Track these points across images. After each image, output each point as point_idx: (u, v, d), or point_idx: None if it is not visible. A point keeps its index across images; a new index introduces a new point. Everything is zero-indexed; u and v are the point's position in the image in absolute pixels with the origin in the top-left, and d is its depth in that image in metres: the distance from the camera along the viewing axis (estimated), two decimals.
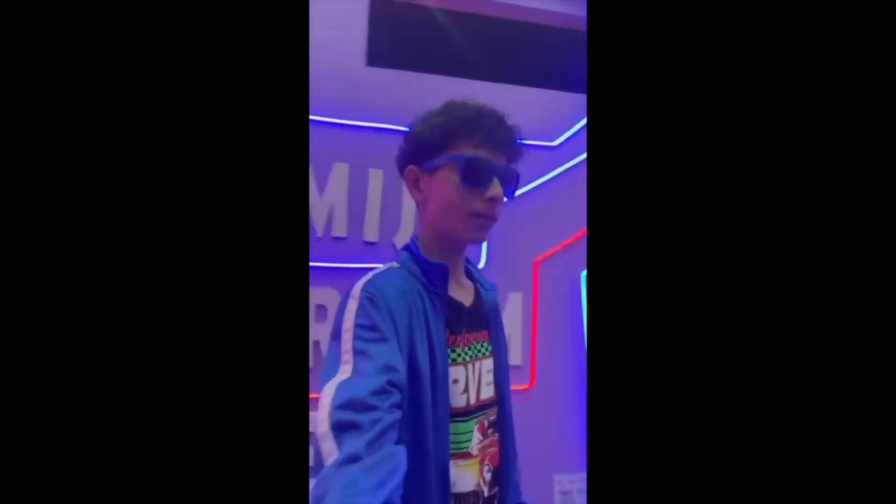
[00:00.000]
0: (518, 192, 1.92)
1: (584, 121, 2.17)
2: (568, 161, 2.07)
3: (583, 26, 2.34)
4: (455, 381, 0.69)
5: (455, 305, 0.74)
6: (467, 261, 0.82)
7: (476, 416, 0.72)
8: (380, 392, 0.55)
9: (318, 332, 1.76)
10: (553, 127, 2.10)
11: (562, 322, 2.02)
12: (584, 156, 2.10)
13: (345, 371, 0.58)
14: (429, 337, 0.67)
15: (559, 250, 2.03)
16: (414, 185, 0.75)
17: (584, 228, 2.09)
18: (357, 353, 0.59)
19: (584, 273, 2.06)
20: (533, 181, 2.02)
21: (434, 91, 1.95)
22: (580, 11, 2.30)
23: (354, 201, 1.81)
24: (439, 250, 0.74)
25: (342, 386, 0.56)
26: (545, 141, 2.09)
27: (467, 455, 0.70)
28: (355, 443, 0.51)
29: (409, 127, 0.75)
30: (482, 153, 0.70)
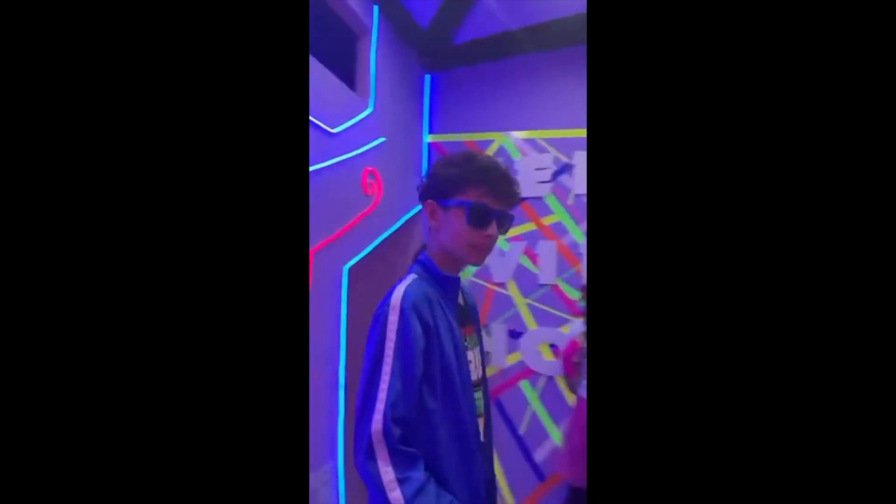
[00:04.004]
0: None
1: (364, 114, 2.21)
2: (346, 152, 2.06)
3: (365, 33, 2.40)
4: (470, 362, 0.93)
5: (459, 306, 0.99)
6: None
7: (481, 387, 0.98)
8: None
9: None
10: (336, 114, 2.05)
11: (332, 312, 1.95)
12: (363, 149, 2.14)
13: (386, 372, 0.80)
14: (451, 332, 0.89)
15: (333, 240, 1.97)
16: (431, 215, 0.94)
17: (353, 221, 2.11)
18: (395, 358, 0.81)
19: (347, 267, 2.07)
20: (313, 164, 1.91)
21: None
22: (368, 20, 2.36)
23: None
24: (447, 265, 0.95)
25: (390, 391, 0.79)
26: (326, 125, 2.01)
27: (481, 416, 0.94)
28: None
29: (431, 166, 0.95)
30: (486, 200, 0.89)
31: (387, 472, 0.74)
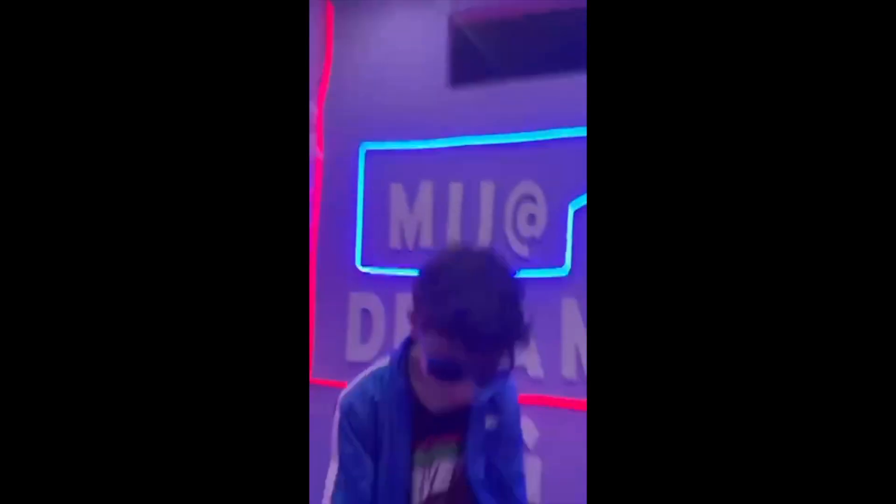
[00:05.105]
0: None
1: None
2: None
3: None
4: (412, 481, 0.77)
5: (422, 412, 0.75)
6: None
7: None
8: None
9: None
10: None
11: None
12: None
13: (330, 477, 0.76)
14: (391, 442, 0.75)
15: None
16: (412, 322, 0.73)
17: None
18: (340, 464, 0.75)
19: None
20: None
21: (518, 97, 1.96)
22: None
23: (438, 216, 2.01)
24: (417, 378, 0.76)
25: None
26: None
27: None
28: None
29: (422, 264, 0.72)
30: (454, 355, 0.64)
31: None
